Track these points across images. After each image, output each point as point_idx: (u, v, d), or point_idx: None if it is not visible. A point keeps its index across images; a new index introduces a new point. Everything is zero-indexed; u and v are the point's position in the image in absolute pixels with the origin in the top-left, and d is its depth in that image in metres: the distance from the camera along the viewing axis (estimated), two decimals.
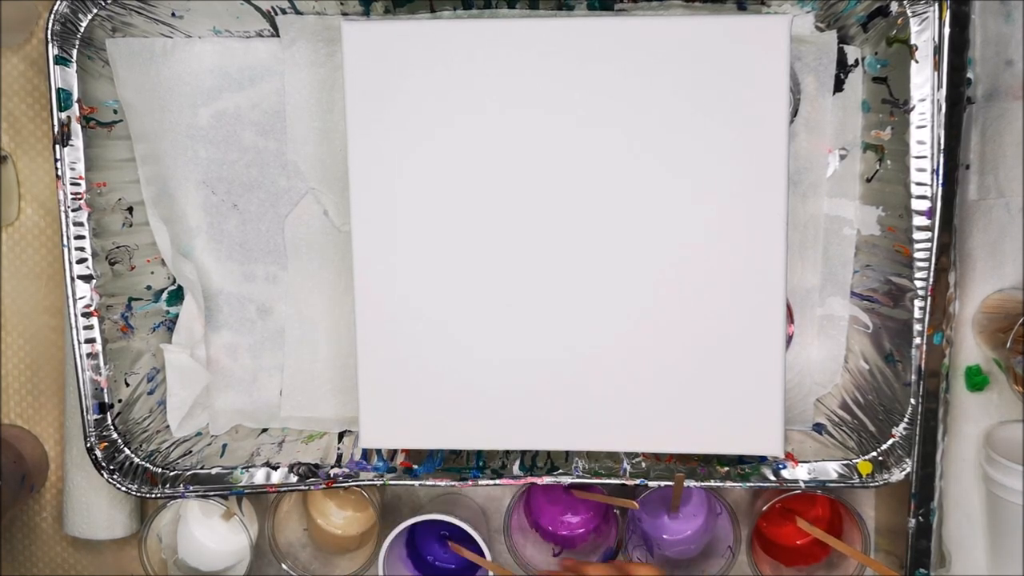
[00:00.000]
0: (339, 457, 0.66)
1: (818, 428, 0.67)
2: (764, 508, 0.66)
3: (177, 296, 0.70)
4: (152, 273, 0.68)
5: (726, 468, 0.64)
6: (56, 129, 0.62)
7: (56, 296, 0.73)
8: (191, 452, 0.67)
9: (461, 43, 0.59)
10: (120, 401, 0.65)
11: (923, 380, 0.61)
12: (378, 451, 0.66)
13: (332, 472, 0.65)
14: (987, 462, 0.66)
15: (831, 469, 0.64)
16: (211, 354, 0.70)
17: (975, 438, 0.69)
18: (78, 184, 0.62)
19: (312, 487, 0.65)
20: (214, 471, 0.65)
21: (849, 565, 0.69)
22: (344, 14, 0.64)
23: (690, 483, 0.63)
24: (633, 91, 0.58)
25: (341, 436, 0.68)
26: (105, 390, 0.64)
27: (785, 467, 0.64)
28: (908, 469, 0.63)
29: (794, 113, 0.65)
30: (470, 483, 0.64)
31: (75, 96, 0.62)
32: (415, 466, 0.65)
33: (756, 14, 0.62)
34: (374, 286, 0.61)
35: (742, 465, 0.64)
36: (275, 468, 0.65)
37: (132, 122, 0.66)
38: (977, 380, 0.68)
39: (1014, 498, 0.64)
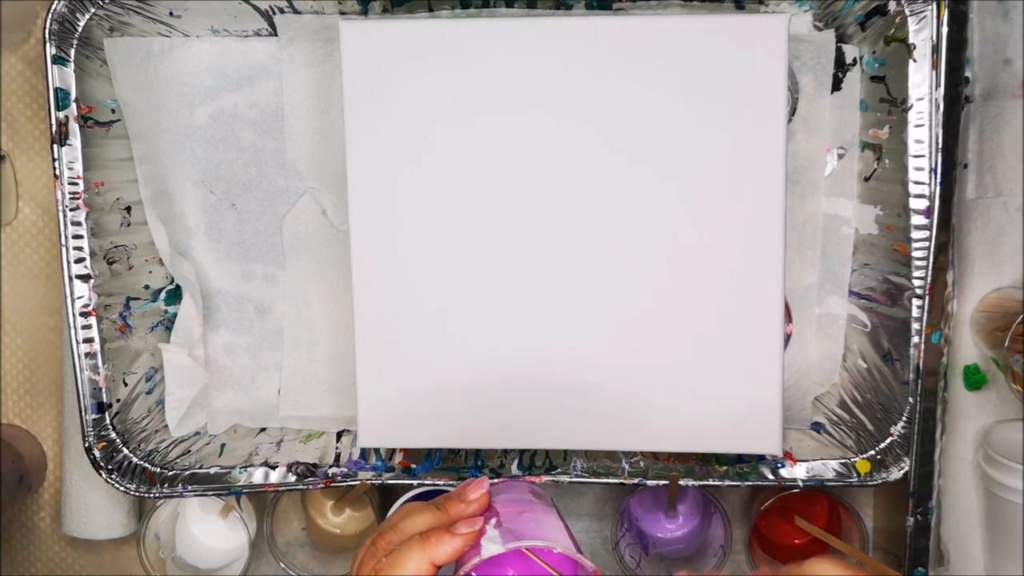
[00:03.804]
0: (337, 456, 0.66)
1: (816, 427, 0.67)
2: (762, 507, 0.66)
3: (175, 296, 0.70)
4: (150, 272, 0.68)
5: (724, 467, 0.64)
6: (54, 128, 0.62)
7: (54, 296, 0.73)
8: (189, 451, 0.67)
9: (459, 42, 0.59)
10: (118, 401, 0.65)
11: (921, 379, 0.61)
12: (376, 450, 0.66)
13: (330, 471, 0.65)
14: (985, 461, 0.66)
15: (829, 468, 0.64)
16: (209, 354, 0.70)
17: (973, 437, 0.69)
18: (76, 184, 0.62)
19: (310, 486, 0.65)
20: (212, 470, 0.65)
21: None
22: (342, 13, 0.64)
23: (688, 482, 0.63)
24: (631, 90, 0.58)
25: (339, 435, 0.68)
26: (103, 390, 0.64)
27: (783, 466, 0.64)
28: (906, 468, 0.63)
29: (792, 112, 0.65)
30: None
31: (73, 95, 0.62)
32: (413, 465, 0.65)
33: (754, 13, 0.62)
34: (372, 285, 0.61)
35: (740, 464, 0.64)
36: (273, 467, 0.65)
37: (130, 121, 0.66)
38: (975, 379, 0.68)
39: (1013, 497, 0.64)
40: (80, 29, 0.61)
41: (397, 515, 0.51)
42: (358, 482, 0.65)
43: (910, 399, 0.62)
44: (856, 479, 0.63)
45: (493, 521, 0.49)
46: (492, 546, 0.47)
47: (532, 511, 0.51)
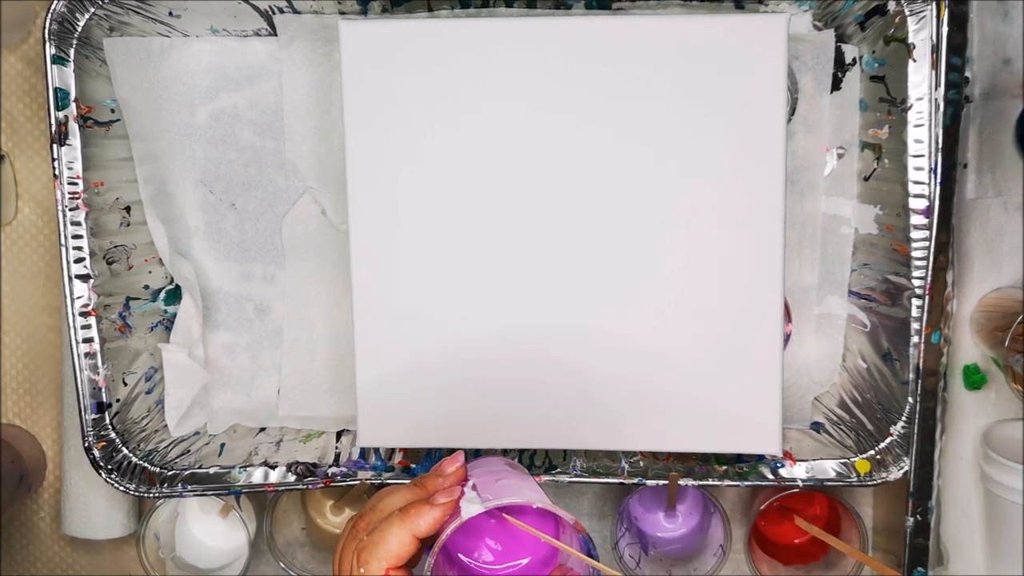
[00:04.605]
0: (337, 456, 0.66)
1: (816, 427, 0.67)
2: (762, 507, 0.66)
3: (175, 295, 0.70)
4: (150, 272, 0.68)
5: (724, 467, 0.64)
6: (53, 128, 0.62)
7: (54, 296, 0.73)
8: (189, 451, 0.67)
9: (459, 42, 0.59)
10: (118, 400, 0.65)
11: (921, 379, 0.61)
12: (376, 450, 0.66)
13: (330, 471, 0.65)
14: (985, 461, 0.66)
15: (829, 468, 0.64)
16: (209, 353, 0.70)
17: (973, 437, 0.69)
18: (76, 183, 0.62)
19: (310, 486, 0.65)
20: (212, 470, 0.65)
21: (847, 564, 0.69)
22: (342, 13, 0.64)
23: (687, 482, 0.63)
24: (631, 90, 0.58)
25: (339, 435, 0.68)
26: (103, 389, 0.64)
27: (783, 466, 0.64)
28: (906, 468, 0.63)
29: (792, 112, 0.65)
30: None
31: (72, 95, 0.62)
32: (413, 465, 0.65)
33: (754, 13, 0.62)
34: (372, 285, 0.61)
35: (740, 464, 0.64)
36: (273, 467, 0.65)
37: (130, 121, 0.66)
38: (975, 379, 0.68)
39: (1012, 496, 0.64)
40: (80, 29, 0.61)
41: (375, 497, 0.51)
42: (358, 482, 0.65)
43: (910, 399, 0.62)
44: (856, 479, 0.63)
45: (471, 484, 0.49)
46: (471, 507, 0.47)
47: (508, 478, 0.51)
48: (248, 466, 0.65)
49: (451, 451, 0.66)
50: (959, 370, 0.68)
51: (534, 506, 0.48)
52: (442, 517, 0.48)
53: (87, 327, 0.63)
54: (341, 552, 0.49)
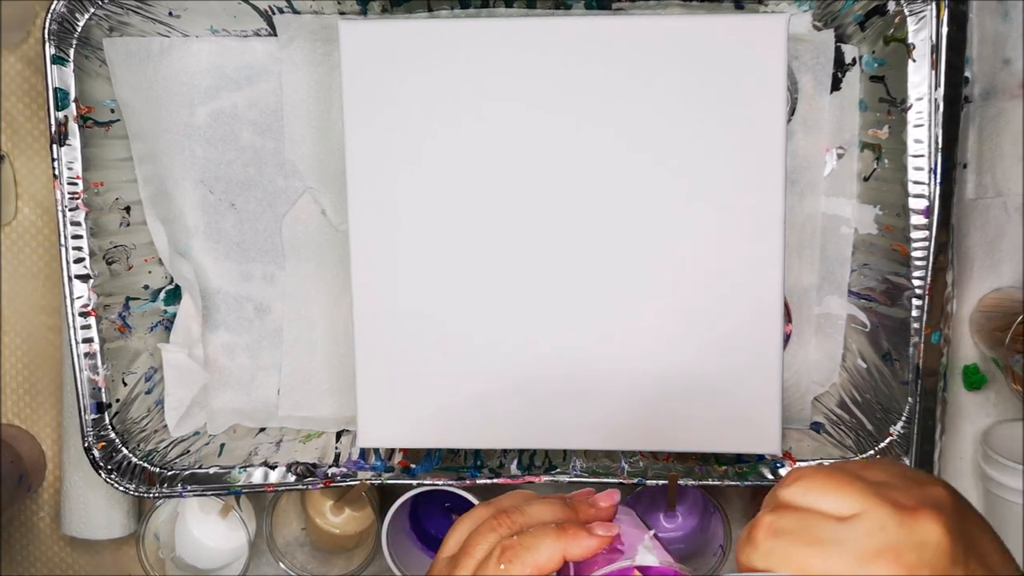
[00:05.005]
0: (337, 456, 0.66)
1: (816, 427, 0.67)
2: None
3: (175, 295, 0.70)
4: (150, 272, 0.68)
5: (724, 467, 0.64)
6: (53, 129, 0.62)
7: (53, 296, 0.73)
8: (189, 451, 0.67)
9: (459, 42, 0.59)
10: (118, 401, 0.65)
11: (921, 379, 0.61)
12: (376, 450, 0.66)
13: (330, 471, 0.65)
14: (985, 461, 0.66)
15: None
16: (209, 353, 0.70)
17: (973, 437, 0.69)
18: (75, 184, 0.62)
19: (310, 486, 0.65)
20: (212, 470, 0.65)
21: None
22: (341, 13, 0.64)
23: (687, 482, 0.63)
24: (630, 90, 0.58)
25: (339, 435, 0.68)
26: (103, 390, 0.64)
27: (783, 466, 0.64)
28: None
29: (791, 112, 0.65)
30: (468, 482, 0.64)
31: (72, 95, 0.62)
32: (413, 465, 0.65)
33: (753, 13, 0.62)
34: (372, 285, 0.61)
35: (740, 464, 0.64)
36: (273, 467, 0.65)
37: (129, 121, 0.66)
38: (975, 379, 0.68)
39: (1012, 497, 0.64)
40: (79, 29, 0.61)
41: (518, 497, 0.49)
42: (357, 482, 0.65)
43: (909, 399, 0.62)
44: None
45: (652, 534, 0.49)
46: (647, 555, 0.47)
47: (657, 541, 0.51)
48: (248, 466, 0.65)
49: (451, 451, 0.66)
50: (959, 370, 0.68)
51: None
52: (598, 548, 0.46)
53: (87, 327, 0.63)
54: (474, 534, 0.47)
